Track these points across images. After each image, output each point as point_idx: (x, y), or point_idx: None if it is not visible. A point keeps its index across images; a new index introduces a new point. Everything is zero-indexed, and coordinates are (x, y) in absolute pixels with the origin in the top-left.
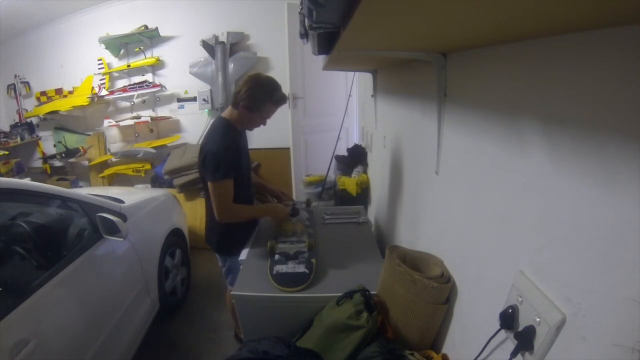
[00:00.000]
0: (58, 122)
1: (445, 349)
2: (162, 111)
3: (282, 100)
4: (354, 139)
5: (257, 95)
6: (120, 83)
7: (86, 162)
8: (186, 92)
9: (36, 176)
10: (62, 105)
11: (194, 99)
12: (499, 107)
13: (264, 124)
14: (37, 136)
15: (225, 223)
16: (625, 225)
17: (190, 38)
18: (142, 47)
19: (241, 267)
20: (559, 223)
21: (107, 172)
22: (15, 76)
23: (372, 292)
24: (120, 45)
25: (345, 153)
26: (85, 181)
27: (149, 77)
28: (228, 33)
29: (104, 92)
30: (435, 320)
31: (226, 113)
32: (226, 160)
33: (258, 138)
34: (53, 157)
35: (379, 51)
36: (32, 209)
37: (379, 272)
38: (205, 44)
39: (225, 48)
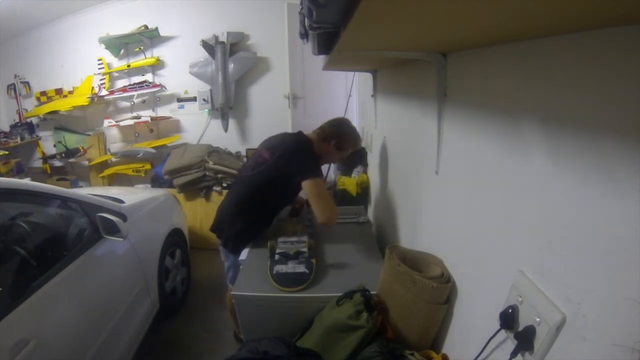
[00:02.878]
0: (58, 122)
1: (445, 349)
2: (162, 111)
3: (359, 149)
4: None
5: (349, 139)
6: (120, 83)
7: (86, 162)
8: (186, 92)
9: (36, 176)
10: (62, 105)
11: (194, 99)
12: (499, 107)
13: (334, 162)
14: (37, 136)
15: (246, 223)
16: (625, 225)
17: (190, 38)
18: (142, 47)
19: (241, 267)
20: (559, 223)
21: (107, 172)
22: (15, 76)
23: (372, 292)
24: (120, 45)
25: None
26: (85, 181)
27: (149, 77)
28: (228, 33)
29: (104, 92)
30: (435, 320)
31: (311, 137)
32: (316, 161)
33: (259, 138)
34: (53, 157)
35: (379, 51)
36: (32, 209)
37: (379, 272)
38: (205, 44)
39: (225, 48)
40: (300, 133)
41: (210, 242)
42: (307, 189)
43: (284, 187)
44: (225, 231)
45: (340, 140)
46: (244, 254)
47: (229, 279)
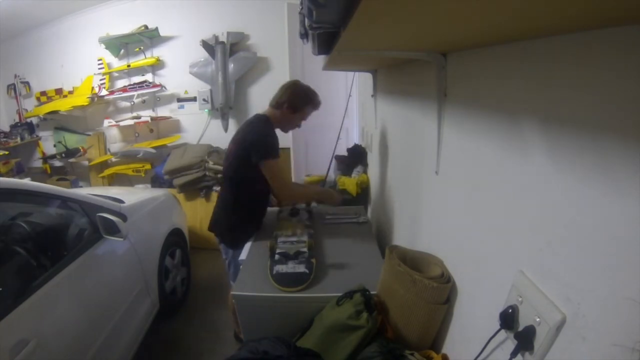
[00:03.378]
0: (58, 122)
1: (445, 349)
2: (162, 111)
3: (319, 105)
4: (354, 139)
5: (301, 98)
6: (120, 83)
7: (86, 162)
8: (186, 92)
9: (36, 176)
10: (62, 105)
11: (194, 99)
12: (499, 107)
13: (299, 126)
14: (37, 136)
15: (236, 216)
16: (625, 225)
17: (190, 38)
18: (142, 47)
19: (241, 267)
20: (559, 223)
21: (107, 172)
22: (15, 76)
23: (372, 292)
24: (120, 45)
25: (345, 153)
26: (85, 181)
27: (149, 77)
28: (228, 33)
29: (104, 92)
30: (435, 320)
31: (265, 111)
32: (273, 142)
33: None
34: (53, 157)
35: (379, 51)
36: (32, 209)
37: (379, 272)
38: (205, 44)
39: (225, 48)
40: (255, 115)
41: (210, 242)
42: (264, 171)
43: (254, 172)
44: (220, 227)
45: (292, 101)
46: (244, 254)
47: (230, 276)
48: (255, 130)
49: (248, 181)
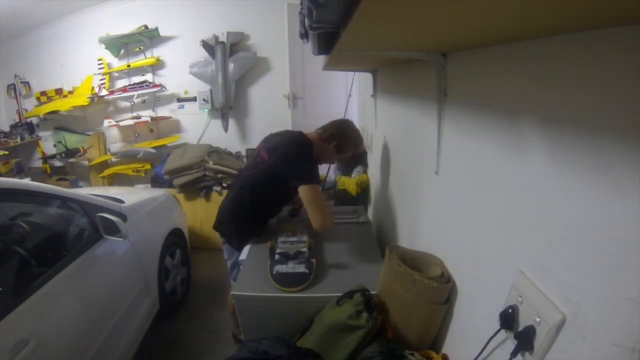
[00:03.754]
0: (58, 122)
1: (445, 349)
2: (162, 111)
3: (359, 152)
4: None
5: (351, 142)
6: (120, 83)
7: (86, 162)
8: (186, 92)
9: (36, 176)
10: (62, 105)
11: (194, 99)
12: (499, 107)
13: (333, 163)
14: (37, 136)
15: (251, 222)
16: (625, 225)
17: (190, 38)
18: (142, 47)
19: (241, 266)
20: (559, 223)
21: (107, 172)
22: (15, 76)
23: (372, 292)
24: (120, 45)
25: None
26: (85, 181)
27: (149, 77)
28: (228, 33)
29: (104, 92)
30: (435, 320)
31: (311, 137)
32: (312, 166)
33: (259, 138)
34: (53, 157)
35: (379, 51)
36: (32, 209)
37: (379, 272)
38: (205, 44)
39: (225, 48)
40: (300, 134)
41: (210, 242)
42: (302, 195)
43: (282, 188)
44: (228, 228)
45: (341, 143)
46: (244, 254)
47: (233, 276)
48: (300, 151)
49: (273, 193)
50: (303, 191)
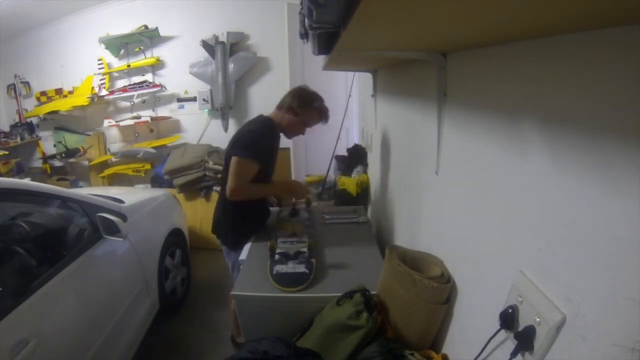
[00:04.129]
0: (58, 122)
1: (445, 349)
2: (162, 111)
3: (324, 112)
4: (354, 139)
5: (303, 100)
6: (120, 83)
7: (86, 162)
8: (186, 92)
9: (36, 176)
10: (62, 105)
11: (194, 99)
12: (499, 107)
13: (303, 132)
14: (37, 136)
15: (236, 217)
16: (625, 225)
17: (190, 38)
18: (142, 47)
19: (241, 266)
20: (559, 223)
21: (107, 172)
22: (15, 76)
23: (372, 292)
24: (120, 45)
25: (345, 153)
26: (85, 181)
27: (149, 77)
28: (228, 33)
29: (104, 92)
30: (435, 320)
31: (270, 113)
32: (260, 143)
33: None
34: (53, 157)
35: (379, 51)
36: (32, 209)
37: (379, 272)
38: (205, 44)
39: (225, 48)
40: (259, 116)
41: (210, 242)
42: (230, 164)
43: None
44: (222, 229)
45: (294, 103)
46: (244, 254)
47: (235, 277)
48: (250, 128)
49: None
50: (232, 160)
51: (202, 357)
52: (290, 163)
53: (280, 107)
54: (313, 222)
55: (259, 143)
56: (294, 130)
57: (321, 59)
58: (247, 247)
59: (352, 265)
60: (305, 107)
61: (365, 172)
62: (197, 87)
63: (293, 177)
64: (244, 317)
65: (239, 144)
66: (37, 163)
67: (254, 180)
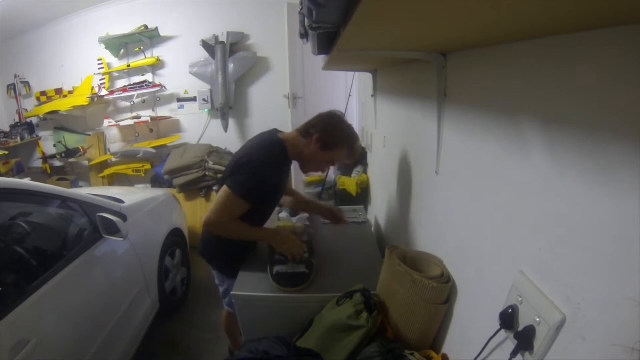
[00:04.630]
0: (58, 122)
1: (445, 349)
2: (162, 111)
3: (358, 154)
4: None
5: (338, 134)
6: (120, 83)
7: (86, 162)
8: (186, 92)
9: (36, 176)
10: (62, 105)
11: (194, 99)
12: (499, 107)
13: (323, 170)
14: (37, 136)
15: (222, 239)
16: (625, 225)
17: (190, 38)
18: (142, 47)
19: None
20: (559, 223)
21: (107, 172)
22: (15, 76)
23: (372, 292)
24: (120, 45)
25: None
26: (85, 181)
27: (149, 77)
28: (228, 33)
29: (104, 92)
30: (435, 320)
31: (286, 136)
32: (258, 181)
33: None
34: (53, 157)
35: (379, 51)
36: (32, 209)
37: (379, 272)
38: (205, 44)
39: (225, 48)
40: (274, 132)
41: None
42: (220, 190)
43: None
44: (213, 253)
45: (326, 134)
46: None
47: (227, 302)
48: (257, 152)
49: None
50: (222, 190)
51: (202, 357)
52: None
53: (305, 132)
54: (313, 222)
55: (258, 181)
56: (314, 164)
57: (321, 59)
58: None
59: (352, 265)
60: (337, 143)
61: (365, 172)
62: (197, 87)
63: (293, 178)
64: (244, 317)
65: (236, 172)
66: (37, 163)
67: (245, 217)
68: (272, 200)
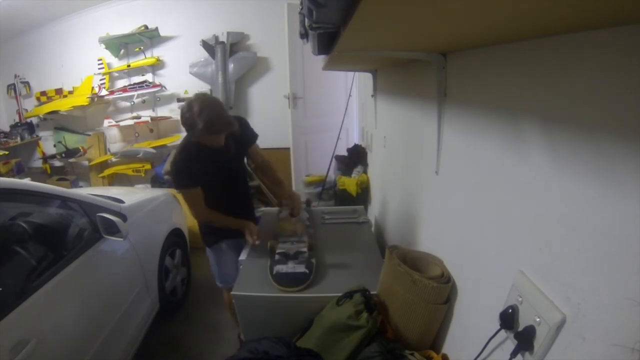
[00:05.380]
0: (58, 122)
1: (445, 349)
2: (162, 111)
3: (205, 130)
4: (354, 139)
5: (183, 122)
6: (120, 83)
7: (86, 162)
8: (186, 92)
9: (36, 176)
10: (62, 105)
11: None
12: (499, 107)
13: (212, 145)
14: (37, 136)
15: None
16: (625, 225)
17: (190, 38)
18: (142, 47)
19: (241, 267)
20: (559, 223)
21: (107, 172)
22: (15, 76)
23: (372, 292)
24: (120, 45)
25: (345, 153)
26: (85, 181)
27: (149, 77)
28: (228, 33)
29: (104, 92)
30: (435, 320)
31: None
32: (178, 174)
33: (259, 138)
34: (53, 157)
35: (379, 51)
36: (32, 209)
37: (379, 272)
38: (205, 44)
39: (225, 48)
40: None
41: None
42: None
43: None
44: (201, 233)
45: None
46: (244, 254)
47: (218, 280)
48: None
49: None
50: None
51: (202, 357)
52: (291, 163)
53: None
54: (313, 222)
55: (176, 174)
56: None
57: (321, 59)
58: (247, 246)
59: (352, 265)
60: (188, 130)
61: (365, 172)
62: (197, 87)
63: (293, 178)
64: (244, 317)
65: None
66: (37, 163)
67: (208, 198)
68: (211, 176)
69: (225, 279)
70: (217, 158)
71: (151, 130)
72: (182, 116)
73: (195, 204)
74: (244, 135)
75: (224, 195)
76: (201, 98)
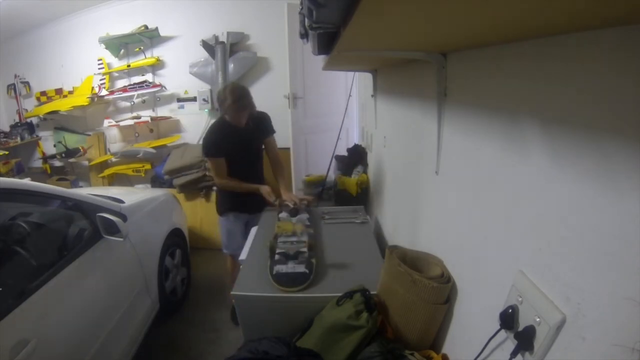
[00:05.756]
0: (58, 122)
1: (445, 349)
2: (162, 111)
3: (230, 105)
4: (354, 139)
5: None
6: (120, 83)
7: (86, 162)
8: (186, 92)
9: (36, 176)
10: (62, 105)
11: (194, 99)
12: (499, 107)
13: (236, 119)
14: (37, 136)
15: (220, 190)
16: (625, 225)
17: (190, 38)
18: (142, 47)
19: (241, 267)
20: (559, 223)
21: (107, 172)
22: (15, 76)
23: (372, 292)
24: (120, 45)
25: (345, 153)
26: (85, 181)
27: (149, 77)
28: (228, 33)
29: (104, 92)
30: (435, 320)
31: None
32: (208, 143)
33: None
34: (53, 157)
35: (379, 51)
36: (32, 209)
37: (379, 272)
38: (205, 44)
39: (225, 48)
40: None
41: (210, 242)
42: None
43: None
44: (218, 202)
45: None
46: (244, 254)
47: (223, 244)
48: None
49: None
50: None
51: (202, 357)
52: (290, 163)
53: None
54: (313, 222)
55: (206, 143)
56: (233, 119)
57: (321, 59)
58: (247, 246)
59: (352, 265)
60: (221, 105)
61: (365, 172)
62: (197, 87)
63: (293, 178)
64: (244, 317)
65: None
66: (37, 163)
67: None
68: (234, 151)
69: (229, 245)
70: (240, 137)
71: (151, 130)
72: (217, 96)
73: (219, 172)
74: (265, 125)
75: (244, 169)
76: (234, 83)
